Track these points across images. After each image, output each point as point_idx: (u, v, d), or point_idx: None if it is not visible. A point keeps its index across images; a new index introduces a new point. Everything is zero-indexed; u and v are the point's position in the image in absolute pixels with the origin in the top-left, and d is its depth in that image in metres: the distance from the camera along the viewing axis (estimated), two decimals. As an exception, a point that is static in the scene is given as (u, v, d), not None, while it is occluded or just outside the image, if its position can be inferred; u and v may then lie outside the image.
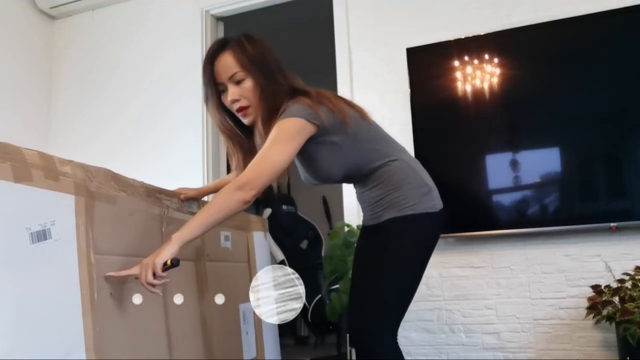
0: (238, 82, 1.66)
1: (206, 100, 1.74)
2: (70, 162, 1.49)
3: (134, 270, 1.51)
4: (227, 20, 3.80)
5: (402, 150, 1.80)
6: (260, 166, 1.56)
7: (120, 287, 1.58)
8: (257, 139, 1.67)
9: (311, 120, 1.60)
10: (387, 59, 3.18)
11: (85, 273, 1.45)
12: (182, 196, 1.96)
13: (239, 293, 2.35)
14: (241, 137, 1.76)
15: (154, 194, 1.83)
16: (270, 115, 1.63)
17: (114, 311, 1.55)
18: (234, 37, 1.70)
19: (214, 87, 1.71)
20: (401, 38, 3.14)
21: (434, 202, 1.72)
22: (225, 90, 1.70)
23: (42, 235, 1.36)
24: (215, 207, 1.55)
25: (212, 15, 3.74)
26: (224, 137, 1.80)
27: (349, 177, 1.77)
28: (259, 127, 1.65)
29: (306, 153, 1.69)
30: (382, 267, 1.66)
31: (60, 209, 1.43)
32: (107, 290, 1.53)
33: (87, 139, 3.84)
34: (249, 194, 1.53)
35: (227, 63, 1.66)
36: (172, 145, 3.61)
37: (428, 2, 3.17)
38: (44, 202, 1.39)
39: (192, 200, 2.02)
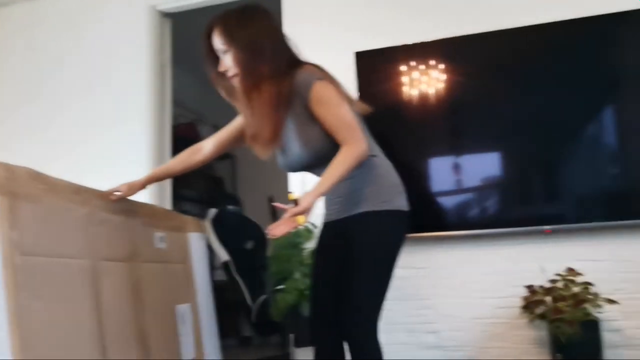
0: (225, 53, 1.75)
1: (207, 70, 1.85)
2: None
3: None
4: (175, 17, 3.75)
5: (379, 149, 1.85)
6: (349, 127, 1.69)
7: (49, 290, 1.55)
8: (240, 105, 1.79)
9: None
10: (336, 62, 3.18)
11: (11, 275, 1.42)
12: (112, 197, 1.94)
13: (176, 294, 2.33)
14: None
15: (82, 193, 1.80)
16: (248, 85, 1.72)
17: (42, 313, 1.52)
18: (227, 11, 1.79)
19: (210, 57, 1.81)
20: (350, 42, 3.17)
21: (405, 202, 1.79)
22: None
23: None
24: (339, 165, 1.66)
25: (159, 11, 3.67)
26: (230, 100, 1.86)
27: (329, 160, 1.73)
28: (239, 94, 1.76)
29: (304, 118, 1.73)
30: (370, 261, 1.70)
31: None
32: (34, 292, 1.49)
33: (29, 134, 3.70)
34: (364, 143, 1.69)
35: (216, 36, 1.76)
36: (116, 140, 3.53)
37: (377, 8, 3.22)
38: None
39: (123, 200, 2.00)
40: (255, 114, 1.73)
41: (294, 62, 1.77)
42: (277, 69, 1.71)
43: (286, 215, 1.61)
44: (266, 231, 1.61)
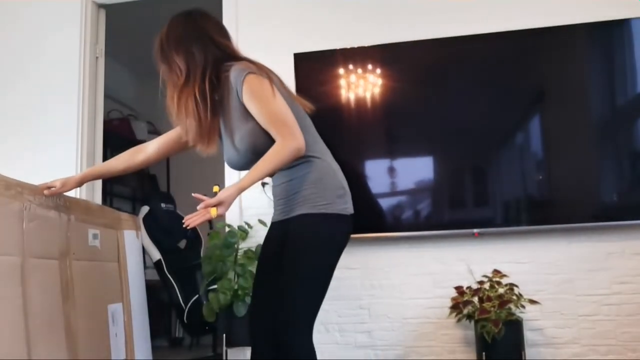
0: None
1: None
2: None
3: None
4: (110, 8, 3.63)
5: (326, 151, 1.82)
6: (282, 122, 1.66)
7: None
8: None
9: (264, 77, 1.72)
10: (275, 62, 3.18)
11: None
12: (45, 192, 1.88)
13: (108, 294, 2.27)
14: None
15: (14, 188, 1.73)
16: (173, 90, 1.76)
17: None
18: (163, 27, 1.82)
19: None
20: (290, 43, 3.18)
21: (347, 205, 1.75)
22: None
23: None
24: (268, 159, 1.64)
25: (94, 2, 3.55)
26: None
27: None
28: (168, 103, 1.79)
29: (240, 114, 1.71)
30: (303, 264, 1.68)
31: None
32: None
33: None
34: (300, 138, 1.65)
35: None
36: (47, 133, 3.38)
37: (317, 10, 3.24)
38: None
39: (57, 195, 1.93)
40: (184, 121, 1.76)
41: (228, 59, 1.76)
42: (193, 77, 1.73)
43: (201, 206, 1.58)
44: (183, 222, 1.59)
